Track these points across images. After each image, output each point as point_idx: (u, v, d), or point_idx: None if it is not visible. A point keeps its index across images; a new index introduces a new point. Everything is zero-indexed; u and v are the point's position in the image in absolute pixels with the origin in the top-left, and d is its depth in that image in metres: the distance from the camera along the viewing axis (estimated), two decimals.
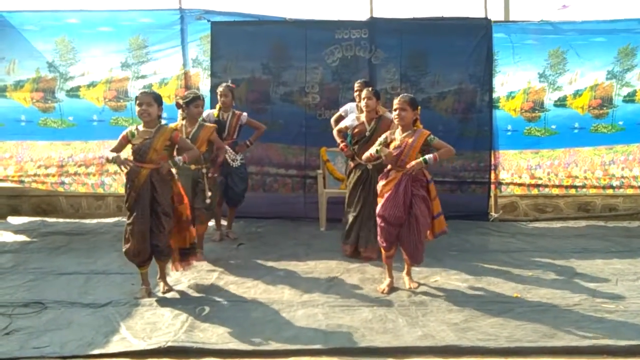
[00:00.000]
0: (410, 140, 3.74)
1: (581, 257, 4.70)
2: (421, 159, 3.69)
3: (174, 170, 3.77)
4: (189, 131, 4.38)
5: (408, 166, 3.71)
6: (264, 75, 6.05)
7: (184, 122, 4.43)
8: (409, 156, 3.72)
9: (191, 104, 4.39)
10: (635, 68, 6.10)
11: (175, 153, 3.81)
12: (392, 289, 3.84)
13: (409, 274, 3.96)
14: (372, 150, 3.97)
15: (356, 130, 4.59)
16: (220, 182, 4.92)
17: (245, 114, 5.22)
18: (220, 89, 5.10)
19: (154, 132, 3.60)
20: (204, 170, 4.45)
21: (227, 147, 4.89)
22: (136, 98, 3.62)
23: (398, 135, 3.83)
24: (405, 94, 3.87)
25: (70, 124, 6.23)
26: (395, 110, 3.79)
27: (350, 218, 4.64)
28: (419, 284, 3.94)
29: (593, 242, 5.21)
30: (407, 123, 3.78)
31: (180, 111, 4.51)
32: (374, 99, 4.44)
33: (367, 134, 4.50)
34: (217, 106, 5.13)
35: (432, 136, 3.77)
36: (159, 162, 3.60)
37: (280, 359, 2.85)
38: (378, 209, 3.86)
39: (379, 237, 3.91)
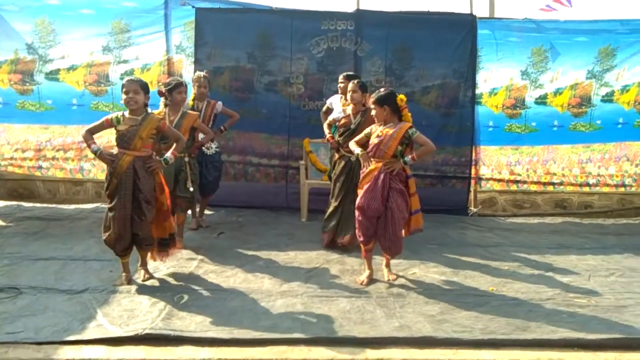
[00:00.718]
0: (391, 131, 3.77)
1: (556, 252, 4.80)
2: (401, 160, 3.76)
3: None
4: (172, 119, 4.33)
5: (389, 167, 3.75)
6: (248, 64, 6.01)
7: (166, 109, 4.37)
8: (389, 146, 3.76)
9: (174, 90, 4.34)
10: (615, 68, 6.22)
11: (159, 146, 3.79)
12: (371, 280, 3.88)
13: (387, 266, 4.00)
14: (355, 149, 3.98)
15: (342, 122, 4.61)
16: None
17: (220, 102, 5.15)
18: (197, 79, 4.99)
19: (140, 120, 3.55)
20: (187, 159, 4.41)
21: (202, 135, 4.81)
22: (122, 86, 3.55)
23: (381, 127, 3.86)
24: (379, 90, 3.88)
25: (49, 108, 6.11)
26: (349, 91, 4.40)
27: (331, 208, 4.66)
28: (398, 276, 3.98)
29: (568, 239, 5.33)
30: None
31: (162, 99, 4.45)
32: (360, 92, 4.45)
33: (353, 126, 4.51)
34: (192, 95, 5.04)
35: (413, 129, 3.79)
36: (142, 150, 3.56)
37: (258, 347, 2.85)
38: (357, 200, 3.89)
39: (357, 231, 3.93)
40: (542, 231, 5.63)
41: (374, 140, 3.83)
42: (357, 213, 3.89)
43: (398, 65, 6.09)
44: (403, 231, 3.93)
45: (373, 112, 3.86)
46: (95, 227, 4.95)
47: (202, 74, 5.04)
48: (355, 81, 4.51)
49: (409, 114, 3.86)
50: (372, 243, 3.92)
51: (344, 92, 4.74)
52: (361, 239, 3.90)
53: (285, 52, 5.99)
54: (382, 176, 3.78)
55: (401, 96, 3.81)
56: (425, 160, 6.09)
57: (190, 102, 4.98)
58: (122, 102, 3.59)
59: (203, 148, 4.95)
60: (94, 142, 3.56)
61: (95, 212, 5.65)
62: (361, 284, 3.83)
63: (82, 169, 6.20)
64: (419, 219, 3.93)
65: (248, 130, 6.05)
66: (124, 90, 3.53)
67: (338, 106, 4.97)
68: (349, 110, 4.59)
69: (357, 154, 3.97)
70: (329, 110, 5.18)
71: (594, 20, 6.29)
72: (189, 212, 4.95)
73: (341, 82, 4.97)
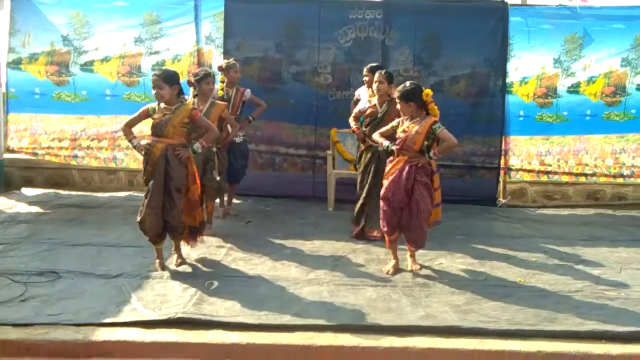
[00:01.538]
0: (417, 127, 3.75)
1: (587, 244, 4.71)
2: (426, 155, 3.77)
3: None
4: (201, 109, 4.41)
5: (414, 161, 3.76)
6: (276, 54, 6.06)
7: (195, 99, 4.46)
8: (415, 142, 3.74)
9: (202, 81, 4.43)
10: None
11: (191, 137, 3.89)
12: (397, 270, 3.91)
13: (412, 256, 4.01)
14: (383, 140, 3.99)
15: (368, 112, 4.63)
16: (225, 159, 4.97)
17: (248, 90, 5.22)
18: (231, 66, 5.03)
19: (173, 109, 3.66)
20: (215, 149, 4.50)
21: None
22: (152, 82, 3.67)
23: (407, 122, 3.84)
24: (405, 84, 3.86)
25: (84, 98, 6.31)
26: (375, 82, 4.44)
27: (360, 200, 4.69)
28: (422, 266, 3.99)
29: (600, 230, 5.23)
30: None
31: (192, 89, 4.54)
32: (386, 83, 4.46)
33: (379, 115, 4.52)
34: (220, 84, 5.06)
35: (437, 125, 3.73)
36: (174, 137, 3.66)
37: (286, 333, 2.92)
38: (382, 191, 3.92)
39: (381, 221, 3.96)
40: (572, 223, 5.53)
41: (400, 135, 3.82)
42: (382, 203, 3.92)
43: (427, 54, 6.05)
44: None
45: (398, 107, 3.86)
46: (129, 215, 5.10)
47: (232, 60, 5.12)
48: (382, 72, 4.51)
49: (436, 108, 3.79)
50: (396, 234, 3.94)
51: (370, 85, 4.74)
52: (385, 229, 3.93)
53: (313, 42, 6.02)
54: (407, 168, 3.78)
55: (427, 91, 3.75)
56: (453, 150, 6.03)
57: (220, 92, 5.02)
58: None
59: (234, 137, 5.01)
60: (135, 137, 3.76)
61: (128, 200, 5.82)
62: (387, 273, 3.87)
63: (116, 158, 6.38)
64: (438, 211, 3.98)
65: (276, 120, 6.12)
66: (152, 85, 3.65)
67: (365, 97, 4.98)
68: (375, 100, 4.60)
69: (387, 146, 3.96)
70: (358, 101, 5.20)
71: (631, 6, 6.10)
72: (217, 201, 5.06)
73: (365, 75, 4.95)
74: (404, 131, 3.80)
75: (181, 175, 3.71)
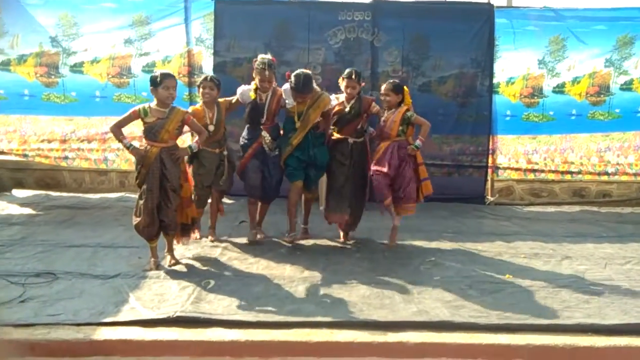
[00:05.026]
0: (392, 116, 4.39)
1: (573, 241, 4.84)
2: (413, 146, 4.33)
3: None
4: (211, 116, 4.34)
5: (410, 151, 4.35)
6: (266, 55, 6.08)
7: (203, 106, 4.36)
8: (391, 128, 4.38)
9: (199, 86, 4.43)
10: (633, 56, 6.19)
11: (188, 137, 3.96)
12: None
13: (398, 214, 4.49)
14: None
15: (336, 109, 4.68)
16: (258, 170, 4.45)
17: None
18: (261, 70, 4.21)
19: (167, 113, 3.70)
20: (225, 153, 4.45)
21: (264, 133, 4.39)
22: (160, 81, 3.62)
23: (386, 112, 4.48)
24: (390, 81, 4.49)
25: (73, 100, 6.28)
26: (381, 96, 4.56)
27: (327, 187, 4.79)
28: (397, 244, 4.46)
29: (585, 227, 5.36)
30: (392, 105, 4.46)
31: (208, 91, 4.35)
32: (358, 87, 4.49)
33: (347, 110, 4.56)
34: (254, 85, 4.34)
35: (410, 112, 4.35)
36: (168, 141, 3.74)
37: (283, 329, 2.98)
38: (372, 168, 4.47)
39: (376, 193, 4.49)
40: (559, 220, 5.67)
41: (381, 124, 4.47)
42: (374, 178, 4.44)
43: (415, 55, 6.14)
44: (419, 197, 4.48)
45: (388, 98, 4.36)
46: (121, 216, 5.14)
47: (267, 58, 4.24)
48: (352, 76, 4.38)
49: (409, 98, 4.46)
50: (389, 199, 4.41)
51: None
52: (379, 195, 4.44)
53: (302, 42, 6.08)
54: (390, 149, 4.35)
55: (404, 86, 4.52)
56: (443, 149, 6.17)
57: (252, 95, 4.33)
58: (151, 94, 3.73)
59: (266, 148, 4.39)
60: (125, 138, 3.77)
61: (120, 201, 5.83)
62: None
63: (106, 159, 6.37)
64: (428, 185, 4.47)
65: None
66: (163, 85, 3.64)
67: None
68: (342, 97, 4.62)
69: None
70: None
71: (613, 8, 6.25)
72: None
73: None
74: (383, 121, 4.44)
75: (177, 175, 3.80)
